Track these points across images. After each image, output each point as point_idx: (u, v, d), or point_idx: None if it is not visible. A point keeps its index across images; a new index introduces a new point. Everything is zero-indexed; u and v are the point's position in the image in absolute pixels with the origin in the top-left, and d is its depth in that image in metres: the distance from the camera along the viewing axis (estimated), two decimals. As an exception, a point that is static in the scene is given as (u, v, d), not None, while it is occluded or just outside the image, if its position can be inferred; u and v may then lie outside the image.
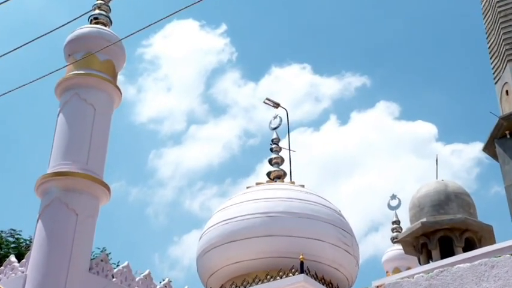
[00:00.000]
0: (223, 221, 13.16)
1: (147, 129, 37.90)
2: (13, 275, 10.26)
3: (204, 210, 35.24)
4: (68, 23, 8.56)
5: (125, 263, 10.64)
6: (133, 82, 38.02)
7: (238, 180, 36.54)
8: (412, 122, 37.31)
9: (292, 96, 37.01)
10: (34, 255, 9.91)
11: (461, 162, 35.57)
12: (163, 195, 37.63)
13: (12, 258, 10.67)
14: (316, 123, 41.07)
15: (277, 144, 15.20)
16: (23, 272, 10.06)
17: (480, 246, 9.48)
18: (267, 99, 16.10)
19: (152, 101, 38.46)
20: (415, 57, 38.22)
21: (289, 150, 15.28)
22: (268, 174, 14.78)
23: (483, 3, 12.84)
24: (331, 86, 38.20)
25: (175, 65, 39.48)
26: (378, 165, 35.95)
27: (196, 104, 38.74)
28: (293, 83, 37.82)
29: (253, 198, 13.35)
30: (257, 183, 14.30)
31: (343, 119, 40.33)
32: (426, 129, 35.64)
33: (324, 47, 38.85)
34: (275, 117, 15.49)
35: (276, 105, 16.00)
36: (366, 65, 39.17)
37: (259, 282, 11.85)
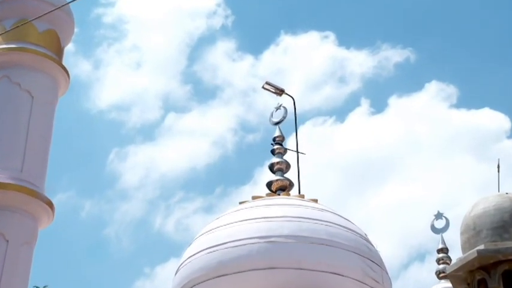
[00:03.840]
0: (209, 248, 13.09)
1: (107, 119, 37.95)
2: None
3: (183, 232, 35.18)
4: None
5: (74, 307, 10.58)
6: (89, 55, 38.14)
7: (230, 191, 36.54)
8: (475, 110, 37.16)
9: (307, 75, 37.06)
10: None
11: (542, 168, 35.05)
12: (128, 210, 37.54)
13: None
14: (339, 113, 41.03)
15: (281, 145, 15.08)
16: None
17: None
18: (267, 83, 15.96)
19: (115, 81, 38.44)
20: (478, 22, 37.84)
21: (297, 152, 15.18)
22: (269, 184, 14.67)
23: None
24: (362, 62, 38.19)
25: (148, 31, 39.51)
26: (422, 169, 35.78)
27: (176, 85, 38.82)
28: (310, 58, 37.85)
29: (249, 217, 13.26)
30: (254, 197, 14.19)
31: (378, 106, 40.28)
32: (494, 120, 35.35)
33: (353, 9, 38.68)
34: (278, 109, 15.37)
35: (280, 91, 15.86)
36: (410, 33, 38.99)
37: (257, 332, 11.79)
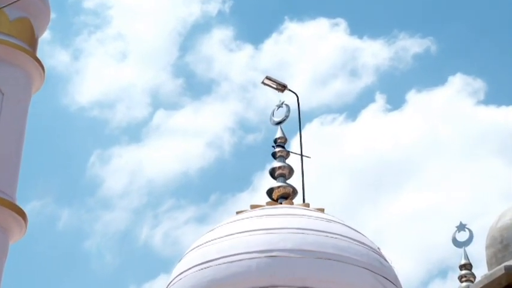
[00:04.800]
0: (202, 263, 13.07)
1: (88, 117, 37.92)
2: None
3: (173, 246, 35.15)
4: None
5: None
6: (67, 44, 38.09)
7: (226, 199, 36.53)
8: (506, 107, 37.04)
9: (314, 68, 37.11)
10: None
11: None
12: (111, 220, 37.52)
13: None
14: (350, 110, 40.90)
15: (283, 147, 15.06)
16: None
17: None
18: (268, 78, 15.96)
19: (97, 74, 38.42)
20: (509, 8, 37.71)
21: (301, 155, 15.18)
22: (270, 192, 14.66)
23: None
24: (376, 53, 38.17)
25: (134, 18, 39.47)
26: (443, 174, 35.74)
27: (166, 79, 38.77)
28: (317, 48, 37.82)
29: (247, 228, 13.27)
30: (252, 206, 14.18)
31: (394, 103, 40.16)
32: (527, 119, 35.22)
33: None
34: (279, 107, 15.36)
35: (282, 87, 15.88)
36: (431, 20, 38.94)
37: None
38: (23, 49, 11.54)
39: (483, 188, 35.25)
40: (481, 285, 10.04)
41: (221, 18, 39.70)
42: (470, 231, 17.21)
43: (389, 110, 38.09)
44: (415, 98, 37.95)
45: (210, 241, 13.37)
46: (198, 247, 13.47)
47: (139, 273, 39.40)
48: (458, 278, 17.46)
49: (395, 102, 40.18)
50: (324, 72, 38.14)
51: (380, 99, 38.19)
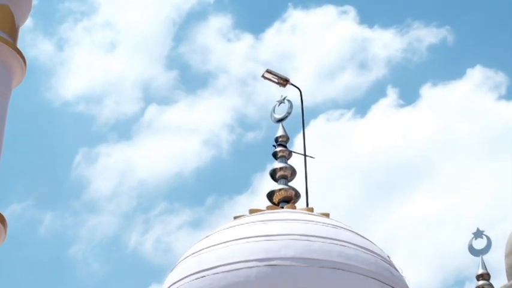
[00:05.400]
0: (197, 272, 13.10)
1: (74, 113, 37.88)
2: None
3: (165, 253, 35.14)
4: None
5: None
6: (51, 33, 38.10)
7: (223, 203, 36.51)
8: (530, 103, 36.94)
9: (321, 59, 37.07)
10: None
11: None
12: (98, 225, 37.51)
13: None
14: (359, 105, 40.79)
15: (285, 147, 15.05)
16: None
17: None
18: (268, 72, 15.95)
19: (84, 65, 38.40)
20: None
21: (305, 155, 15.15)
22: (271, 195, 14.66)
23: None
24: (388, 44, 38.12)
25: (124, 4, 39.45)
26: (460, 176, 35.73)
27: (159, 71, 38.72)
28: (324, 38, 37.77)
29: (245, 235, 13.29)
30: (252, 211, 14.18)
31: (407, 98, 40.08)
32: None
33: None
34: (281, 102, 15.36)
35: (283, 81, 15.86)
36: (448, 8, 38.88)
37: None
38: (3, 39, 11.51)
39: (503, 191, 35.10)
40: (500, 297, 10.02)
41: (219, 5, 39.81)
42: (488, 238, 17.19)
43: (402, 106, 38.16)
44: (430, 93, 38.00)
45: (205, 248, 13.36)
46: (193, 255, 13.47)
47: (129, 282, 39.41)
48: (476, 289, 17.46)
49: (409, 97, 40.07)
50: (330, 64, 38.23)
51: (392, 94, 38.26)
